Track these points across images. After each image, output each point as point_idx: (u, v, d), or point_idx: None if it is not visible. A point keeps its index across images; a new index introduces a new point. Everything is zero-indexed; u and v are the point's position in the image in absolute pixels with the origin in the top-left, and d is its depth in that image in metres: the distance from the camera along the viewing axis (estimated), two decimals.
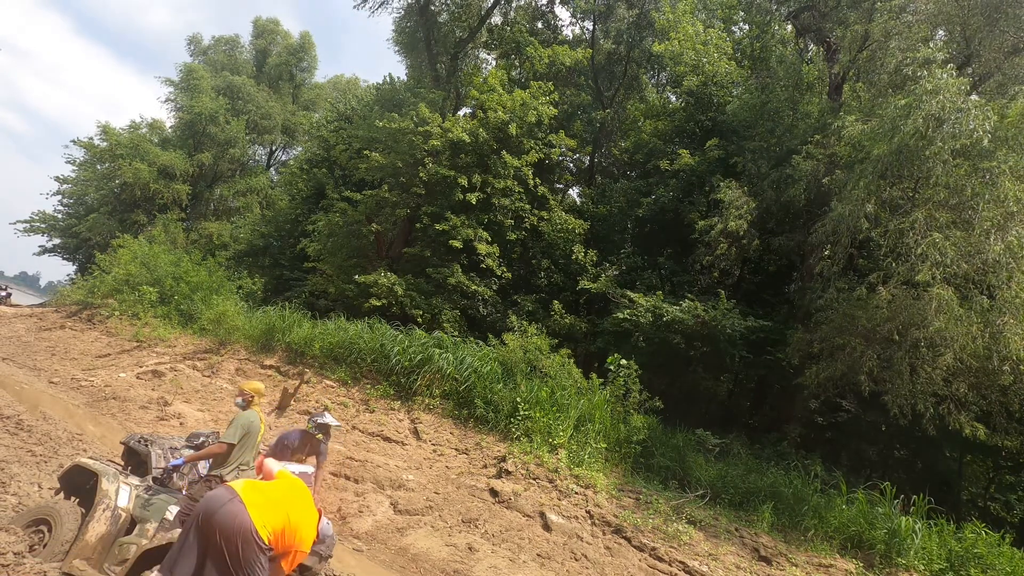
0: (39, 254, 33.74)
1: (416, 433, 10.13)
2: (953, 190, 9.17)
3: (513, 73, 20.01)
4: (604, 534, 7.94)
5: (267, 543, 3.15)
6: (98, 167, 30.61)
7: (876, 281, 9.92)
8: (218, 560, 3.05)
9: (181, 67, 32.22)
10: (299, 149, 34.05)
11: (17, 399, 8.96)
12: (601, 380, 11.37)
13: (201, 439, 5.47)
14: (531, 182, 16.50)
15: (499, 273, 15.93)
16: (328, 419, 5.49)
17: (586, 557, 7.40)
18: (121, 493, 4.67)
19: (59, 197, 33.27)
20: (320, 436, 5.45)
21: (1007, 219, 8.65)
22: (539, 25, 22.47)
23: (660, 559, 7.53)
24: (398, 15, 21.38)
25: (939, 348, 8.74)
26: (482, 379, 10.89)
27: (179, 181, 29.47)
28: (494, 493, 8.47)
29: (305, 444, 5.49)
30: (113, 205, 29.65)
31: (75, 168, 31.71)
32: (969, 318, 8.57)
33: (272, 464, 3.76)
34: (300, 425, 5.97)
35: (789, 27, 16.64)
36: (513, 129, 15.84)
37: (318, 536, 3.68)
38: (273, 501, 3.31)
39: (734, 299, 13.09)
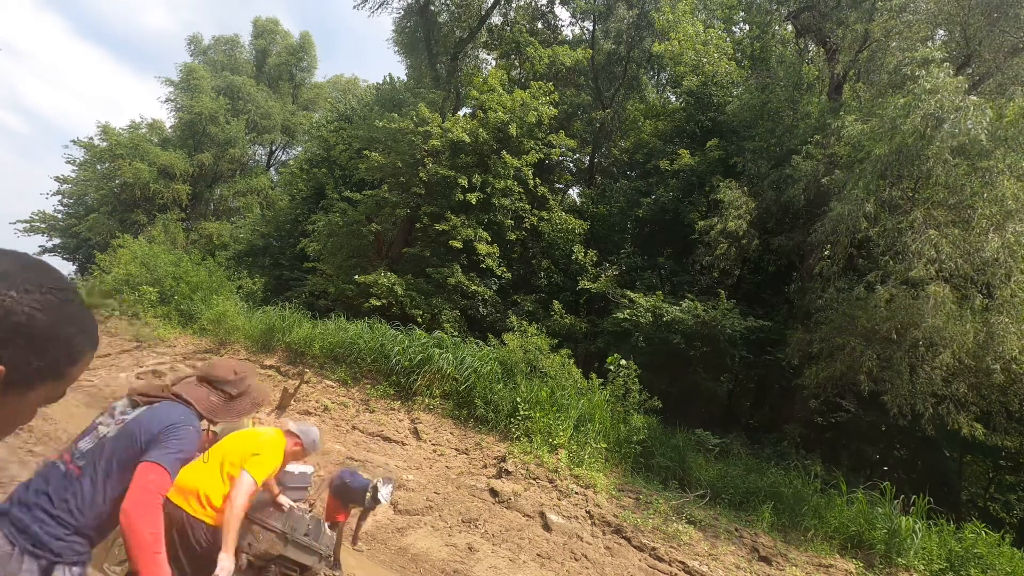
0: (39, 254, 33.75)
1: (416, 433, 10.13)
2: (952, 189, 9.17)
3: (513, 73, 20.02)
4: (604, 534, 7.94)
5: (202, 519, 2.94)
6: (98, 167, 30.66)
7: (874, 280, 9.93)
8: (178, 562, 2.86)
9: (181, 67, 32.26)
10: (299, 149, 34.09)
11: None
12: (601, 380, 11.36)
13: None
14: (531, 182, 16.51)
15: (499, 273, 15.93)
16: (384, 493, 4.96)
17: (586, 557, 7.40)
18: None
19: (59, 197, 33.40)
20: (369, 495, 4.98)
21: (1005, 217, 8.66)
22: (539, 25, 22.48)
23: (660, 559, 7.52)
24: (398, 15, 21.39)
25: (937, 347, 8.75)
26: (482, 379, 10.88)
27: (179, 181, 29.50)
28: (494, 493, 8.46)
29: (356, 497, 5.06)
30: (113, 205, 29.68)
31: (75, 168, 31.80)
32: (965, 316, 8.57)
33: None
34: (364, 473, 5.45)
35: (789, 27, 16.63)
36: (513, 129, 15.84)
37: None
38: (199, 467, 3.10)
39: (734, 299, 13.10)
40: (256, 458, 3.15)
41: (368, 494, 4.81)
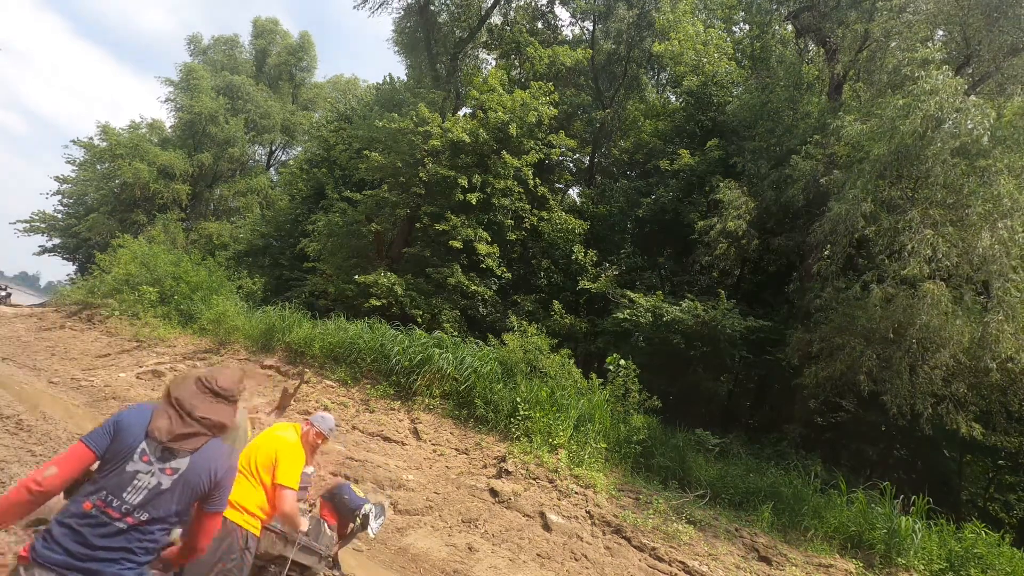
0: (39, 254, 33.85)
1: (416, 433, 10.13)
2: (950, 189, 9.18)
3: (513, 73, 20.00)
4: (604, 534, 7.94)
5: None
6: (98, 167, 30.67)
7: (870, 280, 9.92)
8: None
9: (181, 67, 32.25)
10: (299, 149, 34.09)
11: (17, 399, 8.96)
12: (601, 380, 11.36)
13: None
14: (531, 182, 16.51)
15: (499, 273, 15.93)
16: (374, 527, 4.85)
17: (586, 557, 7.40)
18: None
19: (59, 197, 33.40)
20: (359, 522, 4.83)
21: (1002, 216, 8.66)
22: (539, 25, 22.46)
23: (660, 559, 7.53)
24: (398, 15, 21.36)
25: (935, 346, 8.75)
26: (482, 379, 10.89)
27: (179, 181, 29.50)
28: (494, 493, 8.47)
29: (346, 515, 4.92)
30: (113, 205, 29.69)
31: (75, 168, 31.80)
32: (957, 313, 8.58)
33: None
34: (357, 489, 5.33)
35: (789, 27, 16.63)
36: (513, 129, 15.84)
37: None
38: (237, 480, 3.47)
39: (734, 299, 13.09)
40: (281, 467, 3.39)
41: (358, 520, 4.78)
